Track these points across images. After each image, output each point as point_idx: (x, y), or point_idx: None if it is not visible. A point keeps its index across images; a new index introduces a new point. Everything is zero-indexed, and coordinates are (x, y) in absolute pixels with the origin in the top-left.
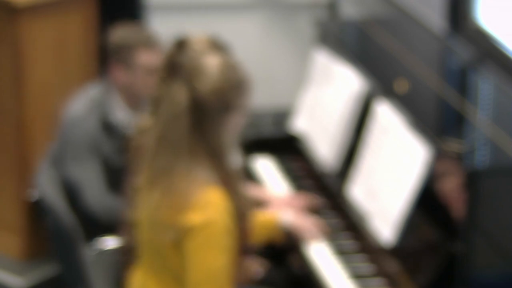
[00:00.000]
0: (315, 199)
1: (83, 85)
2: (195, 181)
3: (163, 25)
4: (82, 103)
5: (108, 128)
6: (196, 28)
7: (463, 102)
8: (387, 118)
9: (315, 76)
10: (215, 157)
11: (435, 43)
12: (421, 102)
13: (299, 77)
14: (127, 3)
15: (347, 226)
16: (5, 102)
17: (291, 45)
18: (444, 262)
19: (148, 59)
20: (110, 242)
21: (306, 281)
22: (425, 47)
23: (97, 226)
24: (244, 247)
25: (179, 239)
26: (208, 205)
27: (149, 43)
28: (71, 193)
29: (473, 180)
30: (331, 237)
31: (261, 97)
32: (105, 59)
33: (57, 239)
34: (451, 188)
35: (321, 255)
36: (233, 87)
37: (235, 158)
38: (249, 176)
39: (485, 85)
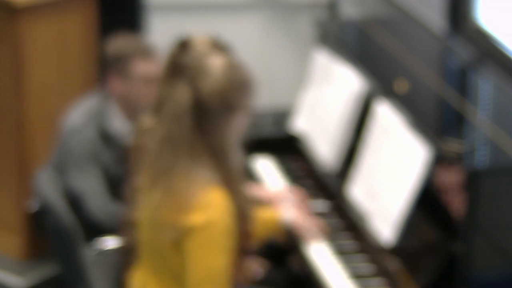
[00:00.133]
0: (309, 194)
1: (83, 85)
2: (196, 181)
3: (163, 25)
4: (80, 114)
5: (106, 138)
6: (196, 28)
7: (463, 102)
8: (387, 118)
9: (315, 76)
10: (217, 158)
11: (435, 43)
12: (421, 102)
13: (299, 77)
14: (127, 3)
15: (347, 226)
16: (5, 102)
17: (291, 45)
18: (444, 262)
19: (145, 68)
20: (110, 242)
21: (306, 281)
22: (425, 47)
23: (99, 229)
24: (245, 247)
25: (179, 239)
26: (210, 206)
27: (146, 52)
28: (74, 202)
29: (473, 180)
30: (331, 237)
31: (261, 97)
32: (104, 64)
33: (57, 239)
34: (451, 188)
35: (321, 255)
36: (236, 87)
37: (238, 158)
38: (249, 176)
39: (485, 85)
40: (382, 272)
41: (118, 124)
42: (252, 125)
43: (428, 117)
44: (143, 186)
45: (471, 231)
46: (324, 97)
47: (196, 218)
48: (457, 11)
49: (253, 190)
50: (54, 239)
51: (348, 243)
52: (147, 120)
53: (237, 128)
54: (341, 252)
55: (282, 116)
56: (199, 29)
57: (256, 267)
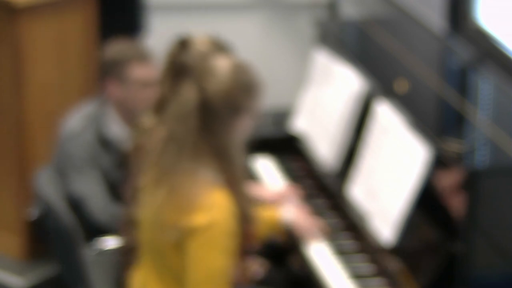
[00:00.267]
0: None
1: (83, 85)
2: (200, 181)
3: (163, 25)
4: (78, 119)
5: (104, 142)
6: (196, 28)
7: (463, 102)
8: (387, 118)
9: (315, 76)
10: (221, 159)
11: (435, 43)
12: (421, 102)
13: (299, 77)
14: (127, 3)
15: (347, 226)
16: (5, 102)
17: (291, 45)
18: (444, 262)
19: (141, 73)
20: (110, 242)
21: (306, 281)
22: (425, 47)
23: (99, 230)
24: (247, 249)
25: (181, 239)
26: (213, 207)
27: (142, 57)
28: (75, 206)
29: (473, 180)
30: (331, 237)
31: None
32: (102, 69)
33: (57, 239)
34: (451, 188)
35: (321, 255)
36: (242, 89)
37: (242, 160)
38: (249, 176)
39: (485, 85)
40: (382, 272)
41: (116, 128)
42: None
43: (428, 117)
44: (146, 186)
45: (471, 231)
46: (324, 97)
47: (199, 218)
48: (457, 11)
49: (254, 190)
50: (54, 239)
51: (348, 243)
52: (148, 120)
53: (242, 130)
54: (341, 252)
55: (282, 116)
56: (199, 29)
57: (256, 267)
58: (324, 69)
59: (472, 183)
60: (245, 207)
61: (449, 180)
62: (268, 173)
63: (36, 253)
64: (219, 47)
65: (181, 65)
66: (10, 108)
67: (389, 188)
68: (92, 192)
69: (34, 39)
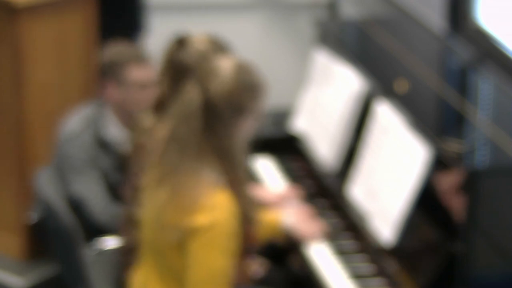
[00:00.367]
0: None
1: (83, 85)
2: (203, 182)
3: (163, 25)
4: (76, 121)
5: (103, 144)
6: (196, 28)
7: (463, 102)
8: (387, 118)
9: (315, 76)
10: (224, 160)
11: (435, 43)
12: (421, 102)
13: (299, 77)
14: (127, 3)
15: (347, 226)
16: (5, 102)
17: (291, 45)
18: (444, 262)
19: (139, 74)
20: (110, 242)
21: (306, 281)
22: (425, 47)
23: (100, 230)
24: (248, 249)
25: (183, 239)
26: (215, 207)
27: (140, 59)
28: (75, 207)
29: (473, 180)
30: (331, 237)
31: None
32: (100, 71)
33: (57, 239)
34: (451, 188)
35: (321, 255)
36: (246, 90)
37: (244, 161)
38: (249, 176)
39: (485, 85)
40: (382, 272)
41: (114, 130)
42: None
43: (428, 117)
44: (147, 186)
45: (471, 231)
46: (324, 97)
47: (201, 219)
48: (457, 11)
49: (255, 192)
50: (54, 239)
51: (348, 243)
52: (147, 119)
53: (245, 131)
54: (341, 252)
55: (282, 116)
56: (198, 29)
57: (256, 267)
58: (324, 69)
59: (472, 183)
60: (247, 208)
61: (449, 180)
62: (268, 173)
63: (36, 253)
64: (217, 45)
65: (180, 63)
66: (10, 108)
67: (389, 188)
68: (92, 192)
69: (34, 39)
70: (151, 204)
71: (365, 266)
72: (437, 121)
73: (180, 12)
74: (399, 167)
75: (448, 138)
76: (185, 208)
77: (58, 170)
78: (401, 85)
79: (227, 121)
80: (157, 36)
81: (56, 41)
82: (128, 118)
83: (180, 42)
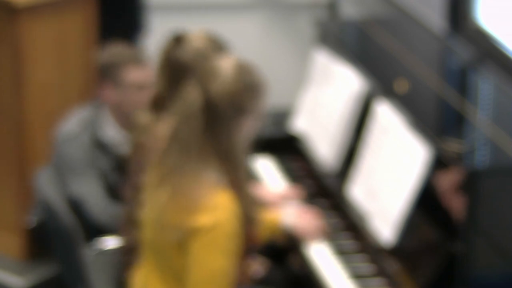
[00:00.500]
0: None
1: (83, 85)
2: (204, 182)
3: (163, 25)
4: (74, 122)
5: (100, 146)
6: (196, 28)
7: (463, 102)
8: (387, 118)
9: (315, 76)
10: (226, 160)
11: (435, 43)
12: (421, 102)
13: (299, 77)
14: (127, 3)
15: (347, 226)
16: (5, 102)
17: (291, 45)
18: (444, 262)
19: (136, 75)
20: (110, 242)
21: (306, 281)
22: (425, 47)
23: (100, 230)
24: (249, 250)
25: (184, 239)
26: (217, 208)
27: (137, 60)
28: (75, 208)
29: (473, 180)
30: (331, 237)
31: None
32: (97, 73)
33: (57, 239)
34: (451, 188)
35: (321, 255)
36: (247, 90)
37: (245, 161)
38: (250, 176)
39: (485, 85)
40: (382, 272)
41: (112, 132)
42: None
43: (428, 117)
44: (149, 185)
45: (471, 231)
46: (324, 97)
47: (203, 219)
48: (457, 11)
49: (256, 191)
50: (54, 239)
51: (348, 243)
52: (145, 117)
53: (247, 131)
54: (341, 252)
55: (282, 116)
56: (197, 27)
57: (256, 267)
58: (324, 69)
59: (472, 183)
60: (248, 208)
61: (449, 180)
62: (268, 173)
63: (36, 253)
64: (214, 43)
65: (177, 61)
66: (10, 108)
67: (389, 188)
68: (91, 192)
69: (34, 39)
70: (152, 204)
71: (365, 266)
72: (437, 121)
73: (180, 12)
74: (399, 167)
75: (448, 138)
76: (186, 208)
77: (57, 171)
78: (401, 85)
79: (228, 121)
80: (157, 36)
81: (56, 41)
82: (125, 119)
83: (177, 40)
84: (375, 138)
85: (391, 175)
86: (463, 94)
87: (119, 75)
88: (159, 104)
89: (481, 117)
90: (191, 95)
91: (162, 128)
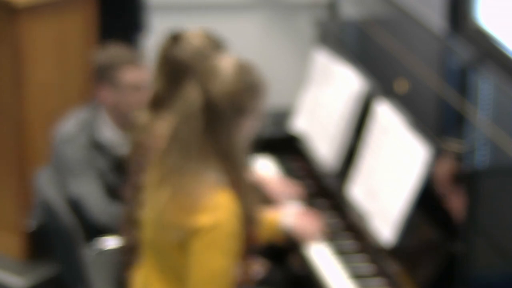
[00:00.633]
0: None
1: (83, 85)
2: (205, 182)
3: (163, 25)
4: (72, 124)
5: (98, 147)
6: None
7: (463, 102)
8: (387, 118)
9: (315, 76)
10: (226, 160)
11: (435, 43)
12: (421, 102)
13: (299, 77)
14: (127, 3)
15: (347, 226)
16: (5, 102)
17: (291, 45)
18: (444, 262)
19: (133, 76)
20: (110, 242)
21: (306, 281)
22: (425, 47)
23: (99, 230)
24: (249, 250)
25: (185, 239)
26: (218, 208)
27: (133, 60)
28: (74, 208)
29: (473, 180)
30: (331, 237)
31: None
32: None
33: (57, 239)
34: (451, 188)
35: (321, 255)
36: (247, 90)
37: (246, 161)
38: (250, 176)
39: (485, 85)
40: (382, 272)
41: (109, 133)
42: None
43: (428, 117)
44: (149, 185)
45: (471, 231)
46: (324, 97)
47: (204, 219)
48: (457, 11)
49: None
50: (54, 239)
51: (348, 243)
52: (143, 116)
53: (247, 131)
54: (341, 252)
55: (282, 116)
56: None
57: (256, 267)
58: (324, 69)
59: (472, 183)
60: (249, 208)
61: (449, 180)
62: (268, 173)
63: (36, 253)
64: (212, 41)
65: (175, 59)
66: (10, 108)
67: (389, 188)
68: (90, 193)
69: (34, 39)
70: (152, 204)
71: (365, 266)
72: (437, 121)
73: (180, 12)
74: (399, 167)
75: (448, 138)
76: (186, 208)
77: (56, 172)
78: (401, 85)
79: (229, 121)
80: (157, 36)
81: (56, 41)
82: (122, 120)
83: (175, 38)
84: (375, 138)
85: (391, 175)
86: (463, 94)
87: (115, 76)
88: (157, 103)
89: (481, 117)
90: (191, 95)
91: (162, 127)
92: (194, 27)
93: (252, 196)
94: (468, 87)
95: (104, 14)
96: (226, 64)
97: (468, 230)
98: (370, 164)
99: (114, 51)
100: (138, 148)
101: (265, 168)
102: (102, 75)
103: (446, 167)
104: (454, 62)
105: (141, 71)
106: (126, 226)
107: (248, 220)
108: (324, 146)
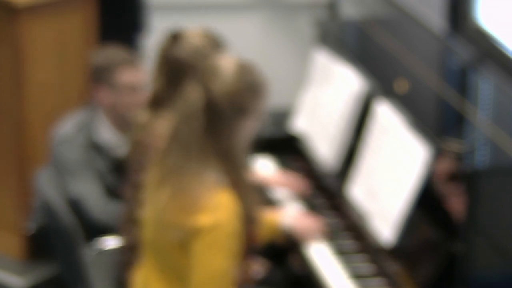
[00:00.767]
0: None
1: (83, 85)
2: (205, 182)
3: (163, 25)
4: (70, 125)
5: (96, 148)
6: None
7: (463, 102)
8: (387, 118)
9: (315, 76)
10: (226, 160)
11: (435, 43)
12: (421, 102)
13: (299, 77)
14: (127, 3)
15: (347, 226)
16: (5, 102)
17: (291, 45)
18: (444, 262)
19: (130, 77)
20: (110, 242)
21: (306, 281)
22: (425, 47)
23: (99, 230)
24: (250, 250)
25: (185, 239)
26: (218, 208)
27: (130, 61)
28: (75, 207)
29: (473, 180)
30: (331, 237)
31: None
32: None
33: (57, 239)
34: (451, 188)
35: (321, 255)
36: (248, 90)
37: (247, 161)
38: (251, 176)
39: (485, 85)
40: (382, 272)
41: (107, 134)
42: None
43: (428, 117)
44: (149, 185)
45: (471, 231)
46: (324, 97)
47: (204, 219)
48: (457, 11)
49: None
50: (54, 239)
51: (348, 243)
52: (143, 115)
53: (248, 131)
54: (341, 252)
55: (282, 116)
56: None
57: (256, 267)
58: (324, 69)
59: (472, 183)
60: (249, 208)
61: (449, 180)
62: (268, 173)
63: (36, 253)
64: (212, 40)
65: (175, 59)
66: (10, 108)
67: (389, 188)
68: (90, 193)
69: (34, 39)
70: (153, 204)
71: (365, 266)
72: (437, 121)
73: (180, 12)
74: (399, 167)
75: (448, 138)
76: (187, 208)
77: (55, 172)
78: (401, 85)
79: (230, 121)
80: (157, 36)
81: (56, 41)
82: (120, 121)
83: (175, 38)
84: (375, 138)
85: (391, 175)
86: (463, 94)
87: (112, 77)
88: (157, 102)
89: (481, 117)
90: (191, 95)
91: (161, 126)
92: (194, 26)
93: (252, 196)
94: (468, 87)
95: (104, 14)
96: (227, 64)
97: (468, 230)
98: (370, 164)
99: (111, 52)
100: (138, 147)
101: (265, 168)
102: (99, 76)
103: (446, 167)
104: (454, 62)
105: (138, 72)
106: (126, 226)
107: (248, 220)
108: (324, 146)
